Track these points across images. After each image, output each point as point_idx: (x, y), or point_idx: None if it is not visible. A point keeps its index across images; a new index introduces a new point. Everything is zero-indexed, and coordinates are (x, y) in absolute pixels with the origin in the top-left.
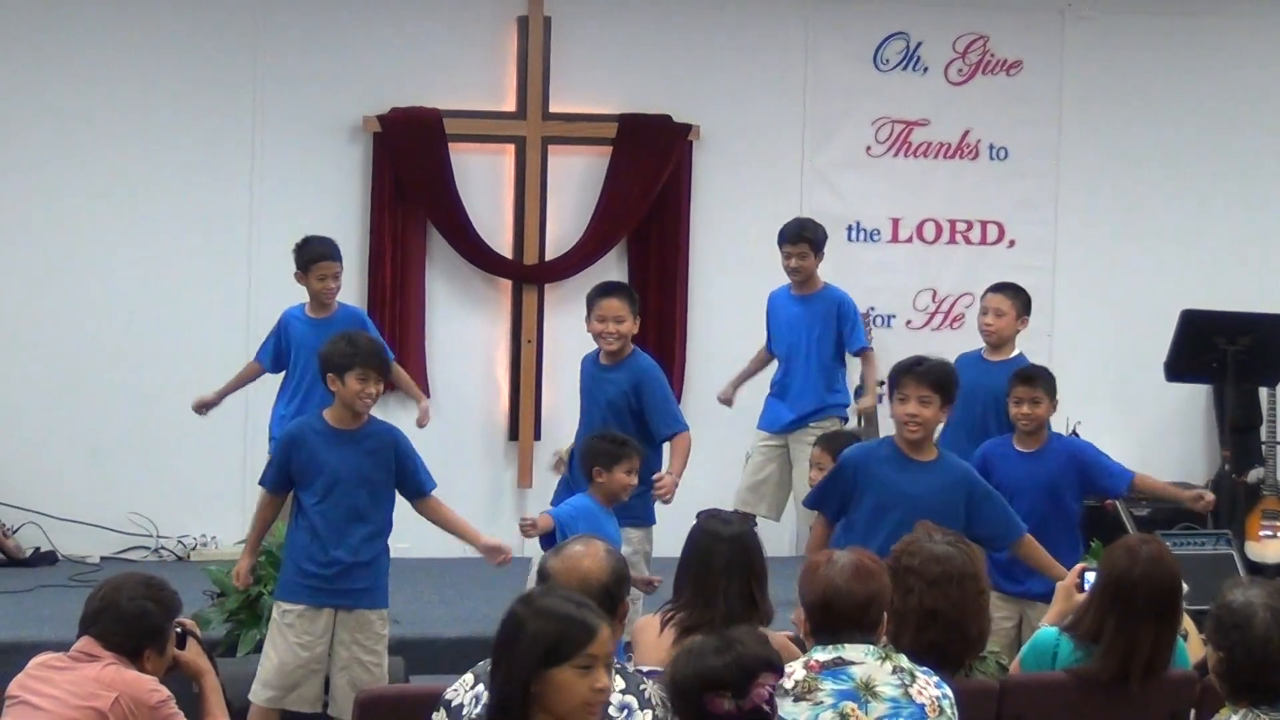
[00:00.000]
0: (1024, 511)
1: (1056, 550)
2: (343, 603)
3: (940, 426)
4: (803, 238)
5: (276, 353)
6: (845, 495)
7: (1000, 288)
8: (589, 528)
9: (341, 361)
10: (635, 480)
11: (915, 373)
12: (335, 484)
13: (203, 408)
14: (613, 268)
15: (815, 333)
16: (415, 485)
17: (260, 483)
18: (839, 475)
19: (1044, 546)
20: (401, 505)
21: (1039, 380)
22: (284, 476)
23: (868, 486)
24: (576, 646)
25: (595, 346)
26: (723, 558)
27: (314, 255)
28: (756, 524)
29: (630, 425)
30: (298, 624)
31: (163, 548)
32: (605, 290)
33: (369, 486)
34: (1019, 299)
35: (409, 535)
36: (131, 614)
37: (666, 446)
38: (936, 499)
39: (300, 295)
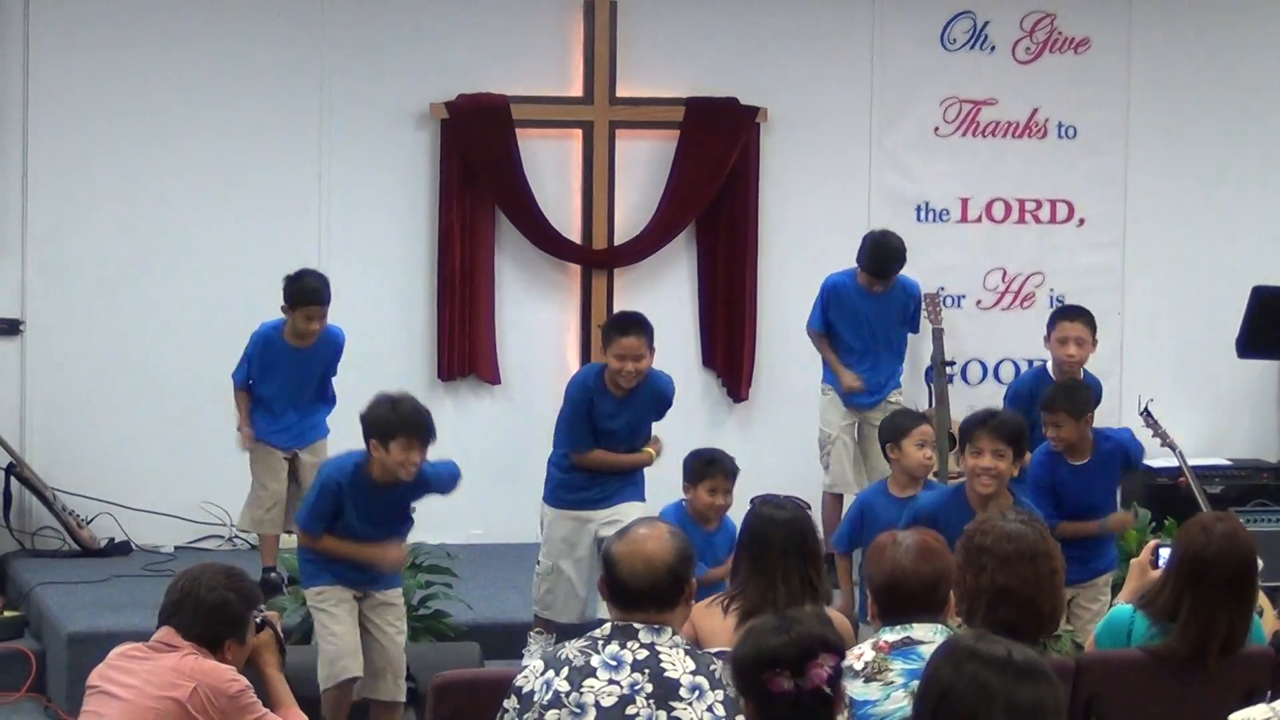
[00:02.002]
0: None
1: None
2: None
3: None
4: (894, 272)
5: (249, 371)
6: None
7: (1077, 313)
8: None
9: (384, 430)
10: (719, 500)
11: (990, 426)
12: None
13: (250, 440)
14: (682, 251)
15: (894, 323)
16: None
17: (303, 527)
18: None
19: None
20: (477, 495)
21: (1060, 404)
22: (327, 519)
23: None
24: None
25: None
26: (779, 542)
27: (304, 297)
28: (810, 508)
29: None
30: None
31: (236, 536)
32: (621, 327)
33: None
34: (1093, 322)
35: (482, 521)
36: (211, 604)
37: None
38: None
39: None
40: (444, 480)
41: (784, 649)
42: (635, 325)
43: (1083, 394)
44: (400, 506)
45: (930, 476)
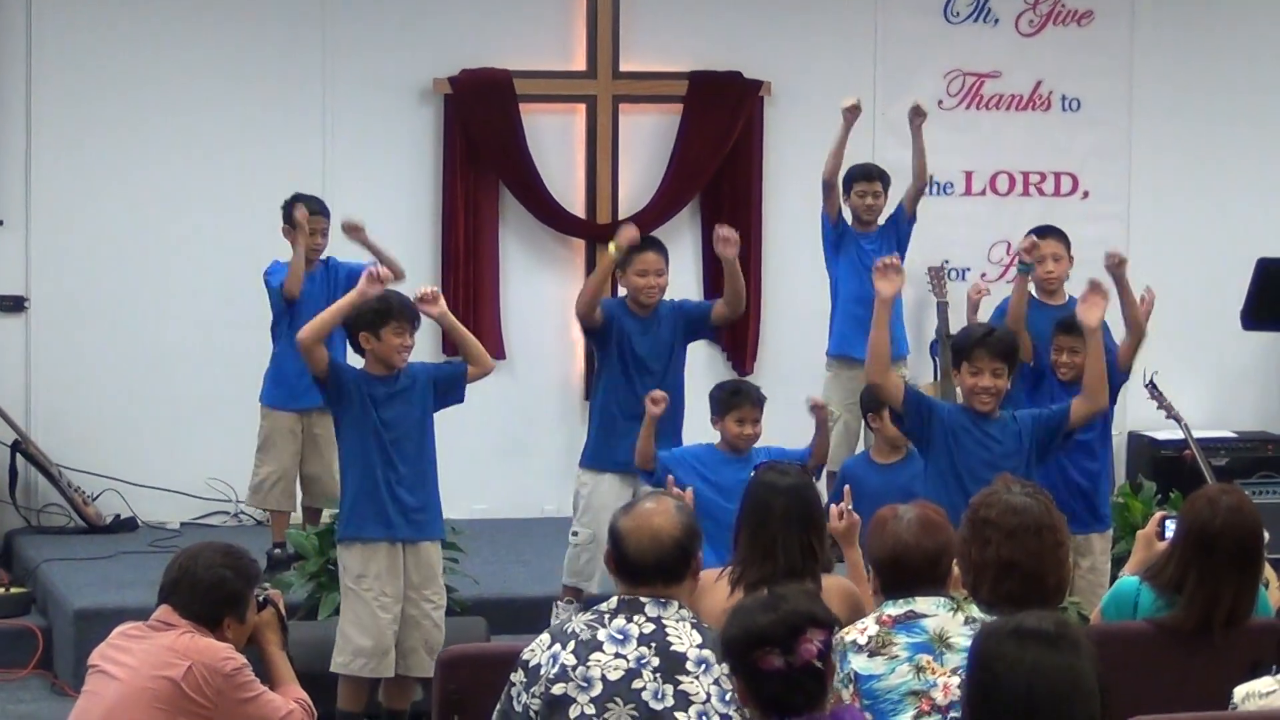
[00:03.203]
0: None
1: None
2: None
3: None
4: (882, 179)
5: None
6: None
7: (1050, 231)
8: (690, 471)
9: (370, 319)
10: (747, 429)
11: (988, 343)
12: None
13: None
14: (686, 225)
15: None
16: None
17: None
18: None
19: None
20: (482, 470)
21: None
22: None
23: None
24: None
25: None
26: (780, 510)
27: (306, 205)
28: (817, 476)
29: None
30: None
31: (242, 512)
32: (643, 244)
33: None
34: (1066, 240)
35: (487, 497)
36: (209, 582)
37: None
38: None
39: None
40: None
41: (772, 627)
42: (653, 242)
43: None
44: (410, 400)
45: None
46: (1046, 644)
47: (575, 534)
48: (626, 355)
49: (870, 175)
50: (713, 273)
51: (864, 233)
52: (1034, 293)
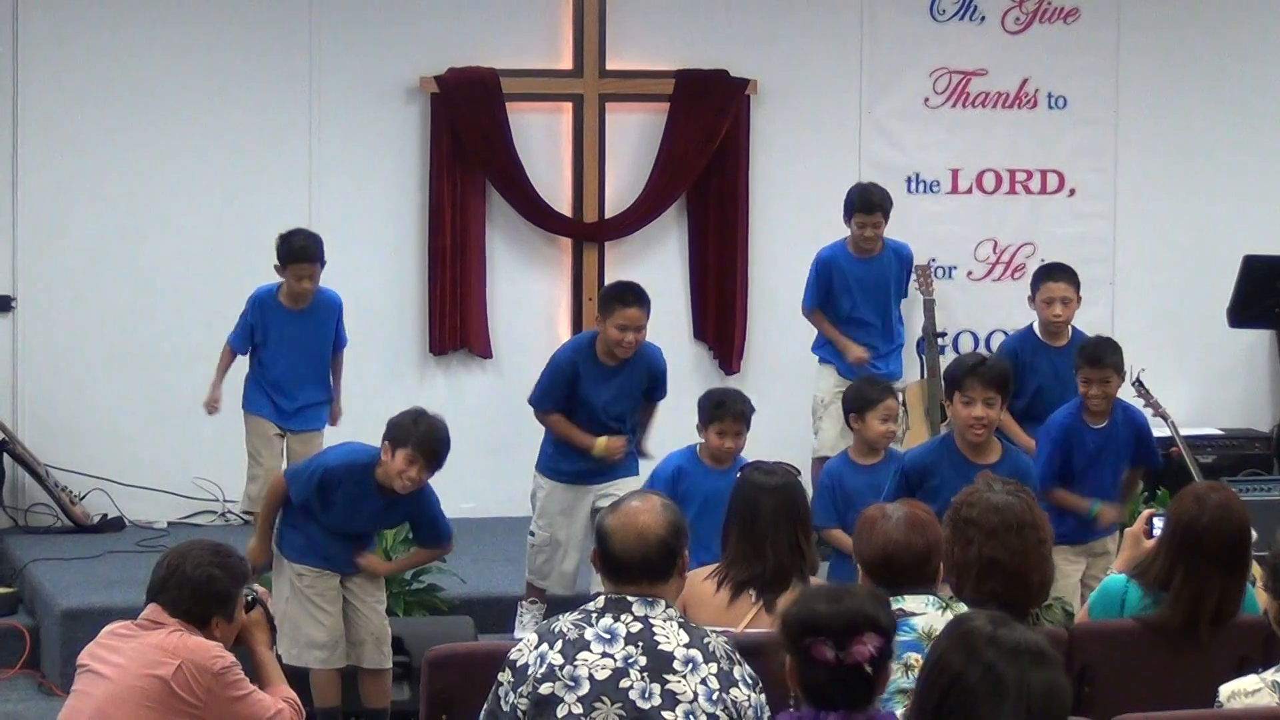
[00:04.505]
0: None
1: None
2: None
3: None
4: (883, 208)
5: (250, 336)
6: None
7: (1061, 272)
8: (670, 482)
9: (398, 436)
10: (727, 443)
11: (979, 373)
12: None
13: (214, 404)
14: (672, 224)
15: (892, 289)
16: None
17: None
18: (900, 485)
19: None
20: (469, 468)
21: (1108, 360)
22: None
23: (935, 496)
24: None
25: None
26: (769, 509)
27: (293, 255)
28: (800, 473)
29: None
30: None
31: (229, 512)
32: (623, 298)
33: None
34: (1077, 280)
35: (474, 495)
36: (197, 581)
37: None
38: None
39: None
40: (436, 524)
41: (829, 617)
42: (637, 296)
43: (1121, 351)
44: (379, 520)
45: (894, 445)
46: (1027, 659)
47: (533, 534)
48: (583, 397)
49: (870, 207)
50: (699, 273)
51: (859, 258)
52: (1038, 333)
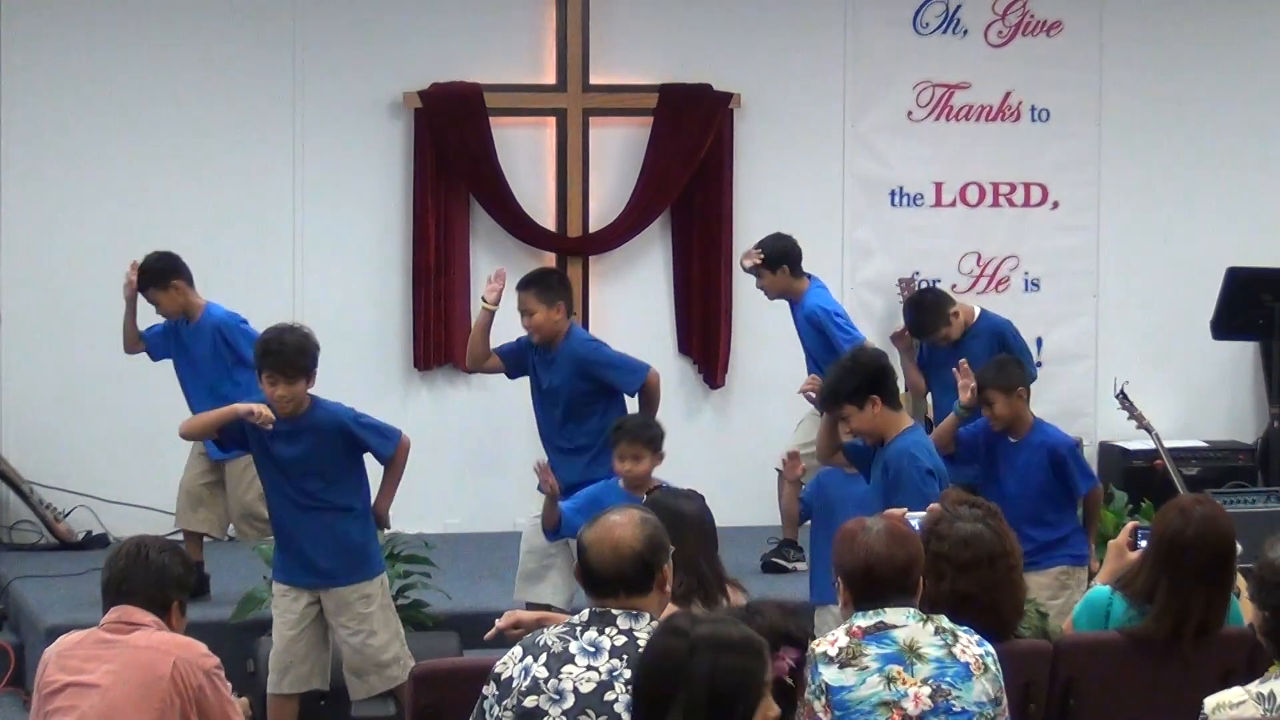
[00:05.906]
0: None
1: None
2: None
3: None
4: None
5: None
6: None
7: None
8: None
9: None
10: (627, 465)
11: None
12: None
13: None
14: (656, 238)
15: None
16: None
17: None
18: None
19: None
20: (453, 483)
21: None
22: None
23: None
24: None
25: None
26: (694, 530)
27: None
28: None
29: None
30: (282, 603)
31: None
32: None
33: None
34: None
35: (460, 511)
36: (160, 565)
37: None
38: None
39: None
40: (374, 432)
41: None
42: (524, 281)
43: (1015, 369)
44: (320, 460)
45: None
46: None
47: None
48: (534, 386)
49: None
50: (683, 288)
51: None
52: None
